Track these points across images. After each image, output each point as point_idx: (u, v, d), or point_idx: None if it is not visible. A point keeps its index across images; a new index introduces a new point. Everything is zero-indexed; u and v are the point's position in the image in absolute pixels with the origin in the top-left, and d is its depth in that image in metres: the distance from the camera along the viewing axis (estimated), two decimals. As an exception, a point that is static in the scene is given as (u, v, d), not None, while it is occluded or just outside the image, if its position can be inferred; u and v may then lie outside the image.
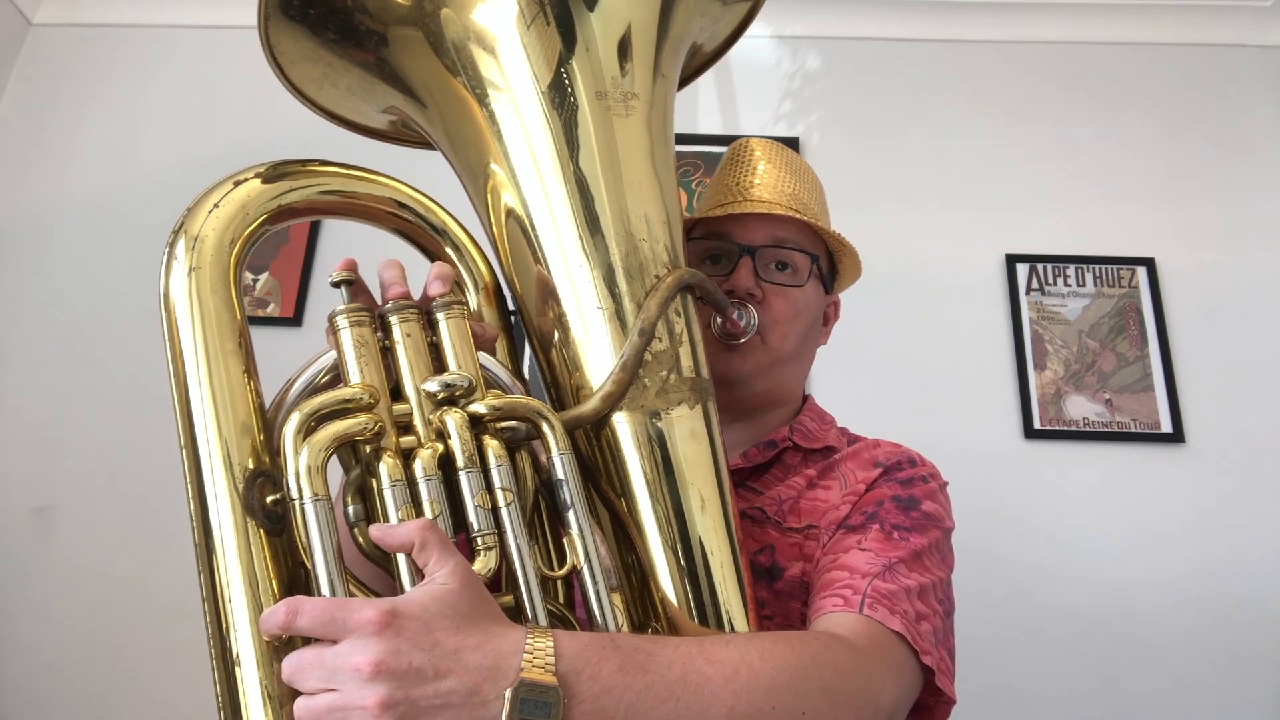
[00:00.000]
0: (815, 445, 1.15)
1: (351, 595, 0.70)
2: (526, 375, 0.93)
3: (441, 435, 0.77)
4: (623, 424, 0.87)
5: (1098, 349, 2.51)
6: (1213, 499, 2.34)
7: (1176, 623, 2.24)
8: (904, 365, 2.52)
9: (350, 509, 0.76)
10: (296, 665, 0.64)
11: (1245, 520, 2.32)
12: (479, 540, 0.74)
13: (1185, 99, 2.79)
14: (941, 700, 0.92)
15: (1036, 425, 2.44)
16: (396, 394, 0.80)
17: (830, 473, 1.11)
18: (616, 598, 0.83)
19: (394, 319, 0.81)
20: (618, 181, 0.91)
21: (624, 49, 0.94)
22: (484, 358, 0.84)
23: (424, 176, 1.02)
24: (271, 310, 2.61)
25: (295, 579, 0.73)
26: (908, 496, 1.04)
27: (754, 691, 0.72)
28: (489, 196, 0.94)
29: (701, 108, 2.86)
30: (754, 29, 2.75)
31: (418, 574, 0.69)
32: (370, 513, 0.76)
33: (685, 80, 1.12)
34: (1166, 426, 2.41)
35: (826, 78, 2.89)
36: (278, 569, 0.72)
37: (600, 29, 0.93)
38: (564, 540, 0.80)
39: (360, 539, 0.74)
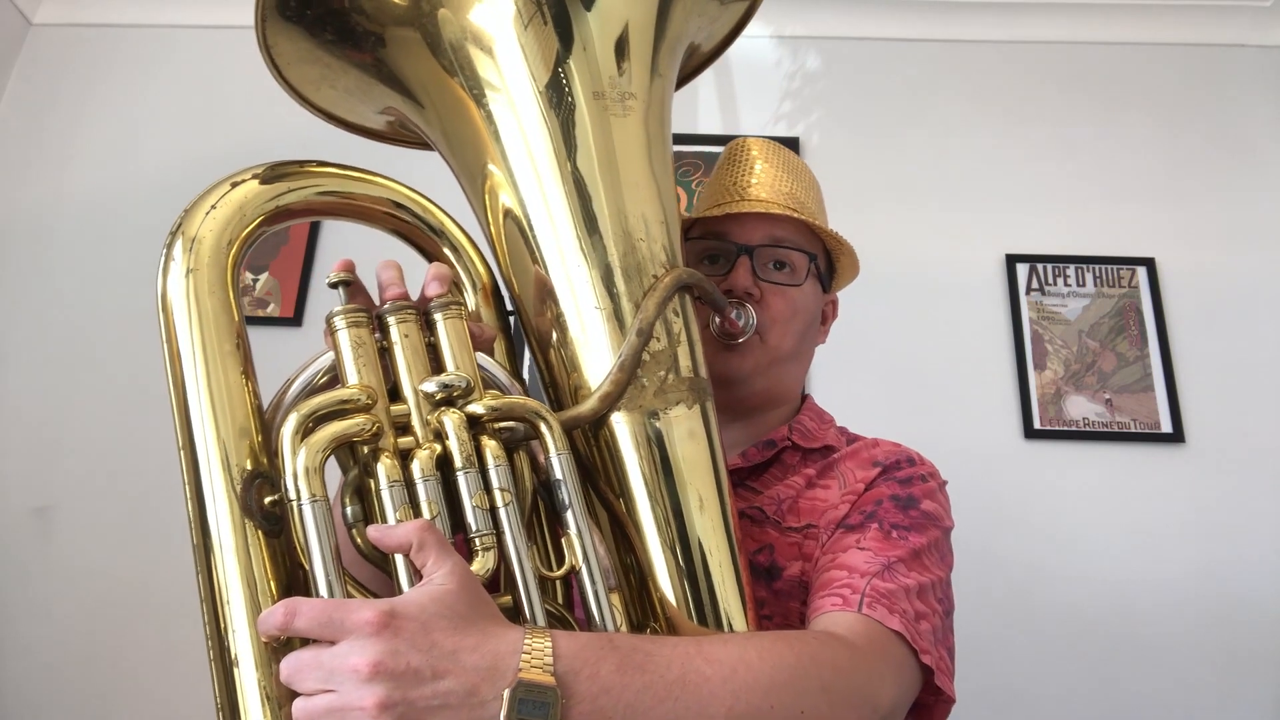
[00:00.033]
0: (814, 445, 1.15)
1: (350, 596, 0.70)
2: (526, 377, 0.93)
3: (439, 436, 0.77)
4: (621, 424, 0.87)
5: (1098, 349, 2.51)
6: (1213, 499, 2.34)
7: (1176, 623, 2.24)
8: (904, 365, 2.52)
9: (348, 510, 0.76)
10: (295, 666, 0.64)
11: (1245, 520, 2.32)
12: (477, 541, 0.74)
13: (1185, 99, 2.79)
14: (941, 699, 0.92)
15: (1036, 425, 2.44)
16: (394, 395, 0.80)
17: (829, 472, 1.11)
18: (615, 598, 0.83)
19: (392, 320, 0.81)
20: (615, 181, 0.91)
21: (621, 49, 0.94)
22: (482, 358, 0.84)
23: (422, 177, 1.02)
24: (271, 310, 2.61)
25: (294, 580, 0.73)
26: (906, 495, 1.04)
27: (752, 691, 0.72)
28: (487, 197, 0.94)
29: (701, 108, 2.86)
30: (754, 29, 2.76)
31: (416, 575, 0.69)
32: (368, 513, 0.76)
33: (683, 80, 1.11)
34: (1166, 426, 2.41)
35: (826, 78, 2.89)
36: (276, 570, 0.72)
37: (597, 29, 0.93)
38: (562, 540, 0.80)
39: (358, 540, 0.74)
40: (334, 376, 0.80)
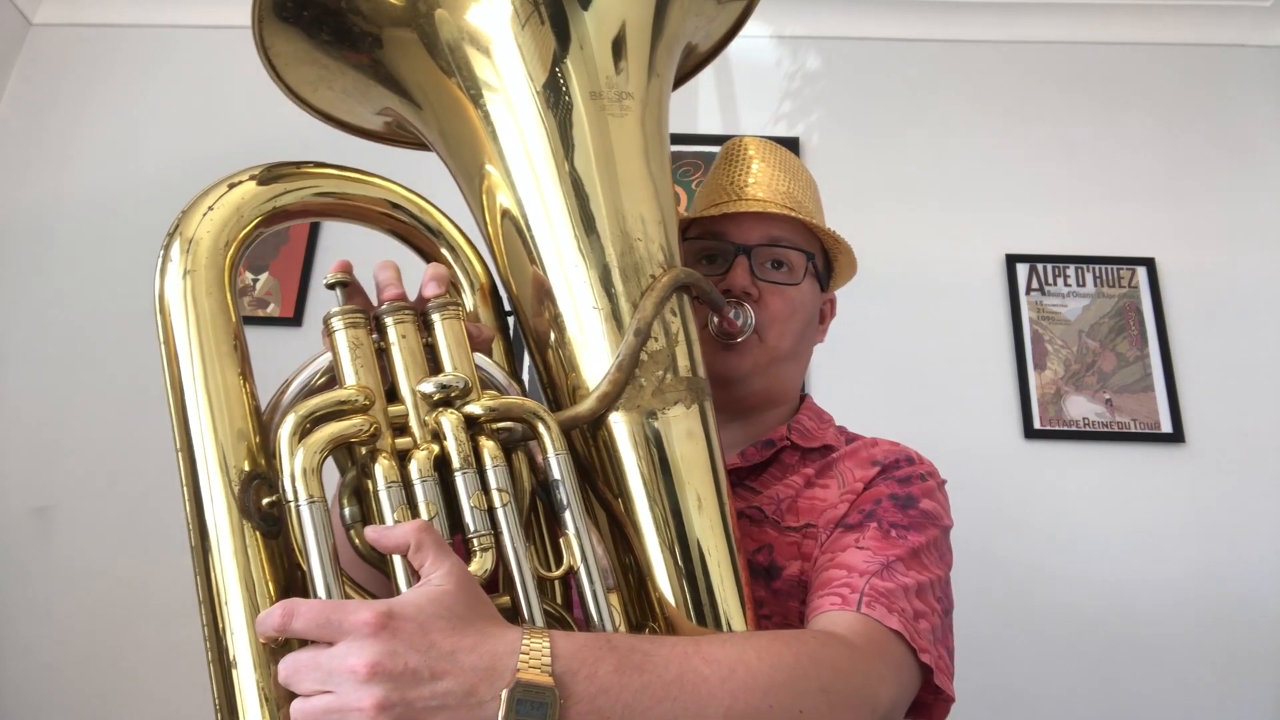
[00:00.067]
0: (813, 444, 1.15)
1: (348, 597, 0.70)
2: (526, 379, 0.93)
3: (437, 436, 0.77)
4: (619, 424, 0.87)
5: (1098, 349, 2.51)
6: (1213, 499, 2.34)
7: (1176, 623, 2.24)
8: (904, 365, 2.53)
9: (346, 511, 0.76)
10: (293, 667, 0.64)
11: (1245, 520, 2.32)
12: (475, 541, 0.74)
13: (1185, 99, 2.79)
14: (940, 698, 0.92)
15: (1036, 425, 2.44)
16: (392, 395, 0.80)
17: (828, 471, 1.11)
18: (614, 598, 0.83)
19: (389, 320, 0.81)
20: (613, 181, 0.91)
21: (618, 48, 0.94)
22: (480, 359, 0.84)
23: (421, 177, 1.02)
24: (271, 310, 2.61)
25: (292, 581, 0.73)
26: (905, 495, 1.04)
27: (751, 690, 0.72)
28: (484, 197, 0.94)
29: (702, 108, 2.86)
30: (754, 29, 2.74)
31: (413, 575, 0.69)
32: (366, 514, 0.76)
33: (680, 80, 1.11)
34: (1166, 426, 2.41)
35: (826, 78, 2.89)
36: (274, 571, 0.72)
37: (594, 28, 0.93)
38: (560, 541, 0.80)
39: (356, 540, 0.74)
40: (332, 377, 0.80)
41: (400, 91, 0.99)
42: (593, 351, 0.88)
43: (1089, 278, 2.59)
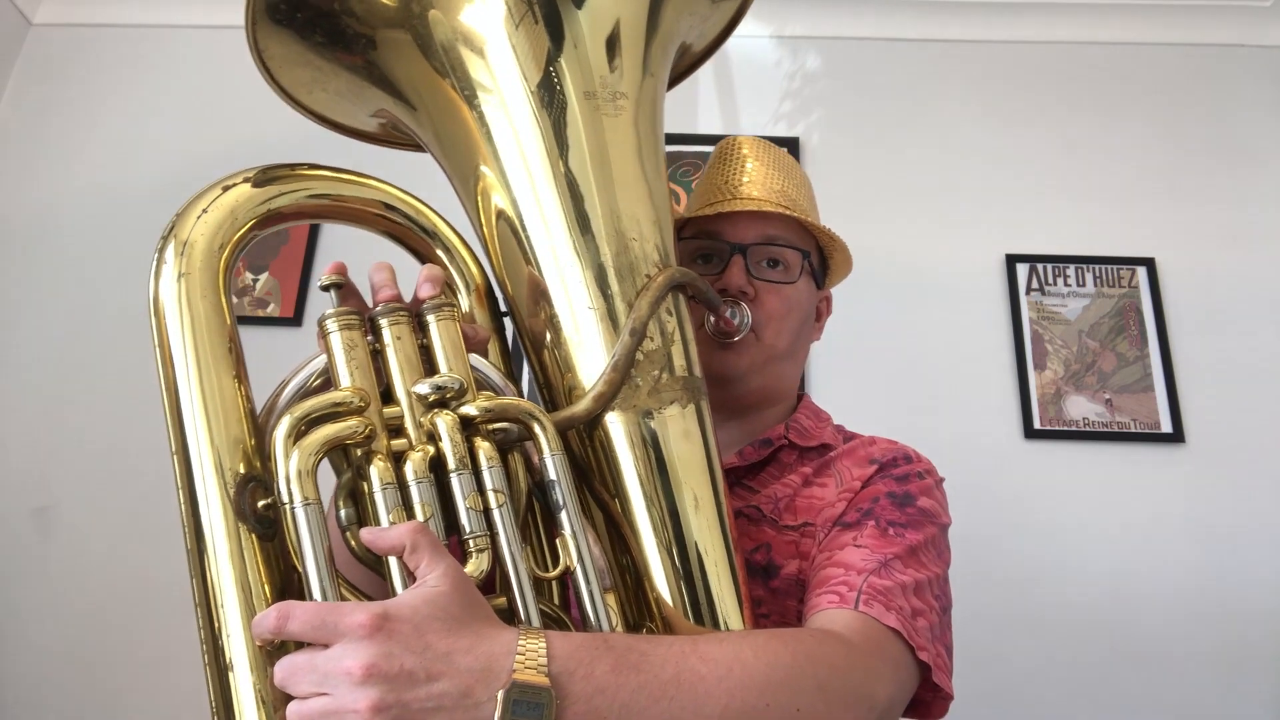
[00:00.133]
0: (811, 443, 1.15)
1: (344, 599, 0.70)
2: (525, 386, 0.93)
3: (432, 438, 0.77)
4: (615, 424, 0.87)
5: (1098, 349, 2.51)
6: (1213, 499, 2.34)
7: (1176, 622, 2.24)
8: (904, 365, 2.52)
9: (342, 512, 0.76)
10: (289, 669, 0.64)
11: (1245, 520, 2.31)
12: (471, 542, 0.74)
13: (1185, 99, 2.79)
14: (939, 696, 0.92)
15: (1036, 425, 2.44)
16: (388, 397, 0.80)
17: (826, 470, 1.11)
18: (610, 598, 0.83)
19: (384, 322, 0.81)
20: (608, 181, 0.91)
21: (612, 47, 0.94)
22: (475, 359, 0.84)
23: (417, 179, 1.02)
24: (271, 310, 2.61)
25: (288, 583, 0.73)
26: (903, 493, 1.04)
27: (748, 689, 0.72)
28: (479, 198, 0.94)
29: (701, 108, 2.86)
30: (754, 29, 2.74)
31: (409, 577, 0.69)
32: (362, 516, 0.76)
33: (674, 80, 1.11)
34: (1166, 426, 2.41)
35: (826, 78, 2.89)
36: (270, 573, 0.72)
37: (588, 27, 0.93)
38: (557, 541, 0.80)
39: (352, 542, 0.74)
40: (327, 379, 0.80)
41: (394, 93, 0.99)
42: (588, 352, 0.88)
43: (1089, 278, 2.59)
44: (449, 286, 0.92)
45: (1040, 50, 2.87)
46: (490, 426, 0.79)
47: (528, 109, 0.91)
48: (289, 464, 0.70)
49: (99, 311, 2.60)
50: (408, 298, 0.85)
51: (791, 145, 2.76)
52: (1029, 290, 2.58)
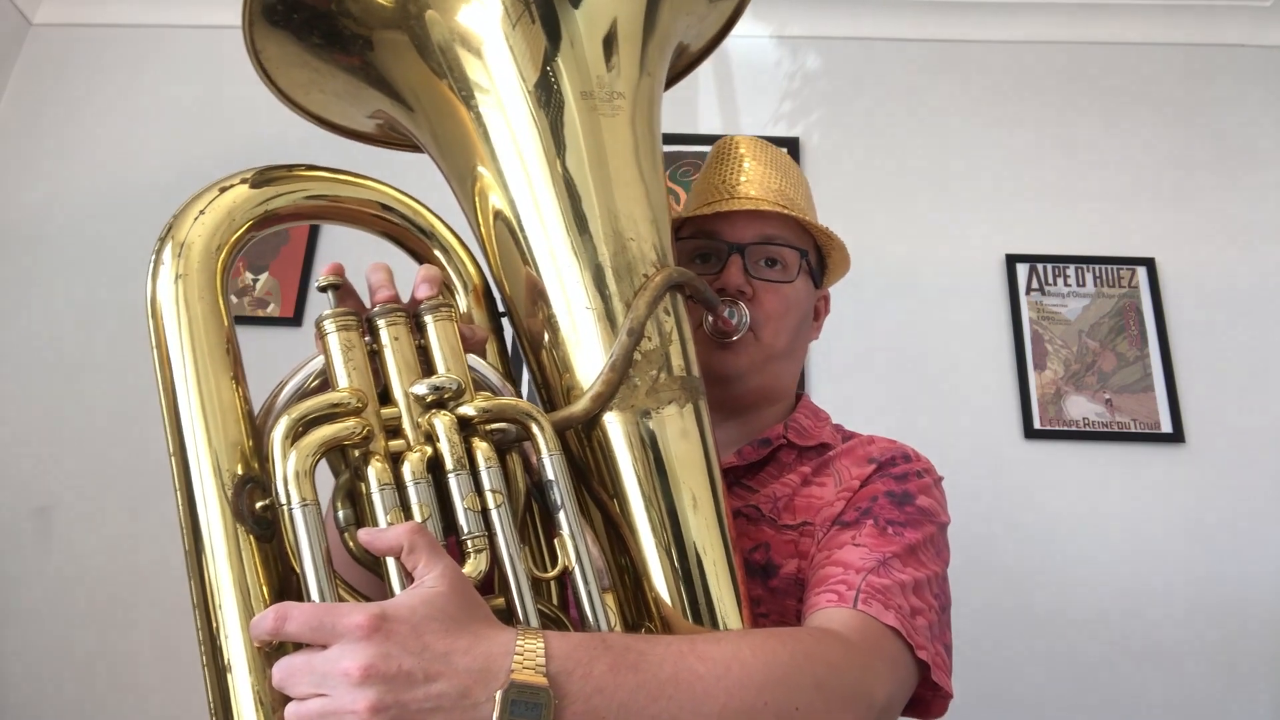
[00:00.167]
0: (810, 442, 1.15)
1: (342, 600, 0.70)
2: (525, 390, 0.93)
3: (430, 438, 0.77)
4: (613, 424, 0.87)
5: (1098, 349, 2.51)
6: (1213, 499, 2.34)
7: (1176, 622, 2.24)
8: (904, 365, 2.52)
9: (340, 513, 0.76)
10: (287, 670, 0.64)
11: (1245, 520, 2.31)
12: (469, 543, 0.74)
13: (1185, 99, 2.78)
14: (939, 695, 0.92)
15: (1036, 425, 2.43)
16: (385, 398, 0.80)
17: (825, 470, 1.11)
18: (609, 598, 0.83)
19: (381, 323, 0.81)
20: (605, 181, 0.91)
21: (609, 46, 0.95)
22: (473, 360, 0.84)
23: (418, 178, 1.02)
24: (271, 310, 2.61)
25: (286, 584, 0.73)
26: (902, 491, 1.04)
27: (746, 688, 0.72)
28: (477, 198, 0.94)
29: (701, 108, 2.86)
30: (754, 29, 2.74)
31: (407, 578, 0.69)
32: (360, 517, 0.76)
33: (672, 80, 1.11)
34: (1166, 426, 2.40)
35: (826, 78, 2.89)
36: (268, 575, 0.72)
37: (585, 26, 0.93)
38: (555, 541, 0.80)
39: (350, 543, 0.74)
40: (325, 380, 0.80)
41: (392, 94, 0.99)
42: (586, 352, 0.88)
43: (1089, 278, 2.58)
44: (447, 287, 0.92)
45: (1040, 50, 2.87)
46: (488, 427, 0.79)
47: (525, 109, 0.91)
48: (287, 465, 0.71)
49: (99, 311, 2.60)
50: (405, 298, 0.85)
51: (791, 145, 2.76)
52: (1029, 290, 2.58)
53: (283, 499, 0.70)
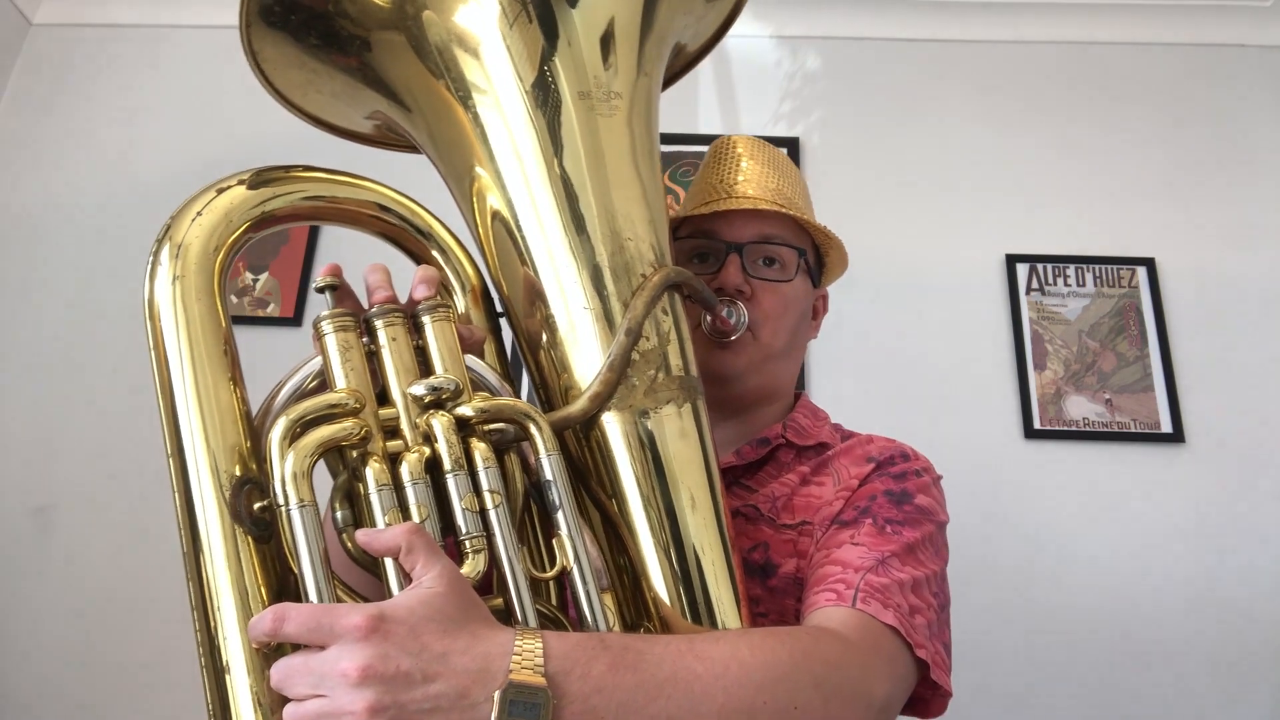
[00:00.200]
0: (809, 442, 1.15)
1: (340, 601, 0.70)
2: (525, 394, 0.93)
3: (428, 439, 0.77)
4: (612, 424, 0.87)
5: (1098, 349, 2.51)
6: (1213, 499, 2.33)
7: (1176, 622, 2.24)
8: (904, 365, 2.52)
9: (339, 514, 0.76)
10: (285, 671, 0.64)
11: (1245, 520, 2.31)
12: (467, 543, 0.74)
13: (1186, 99, 2.78)
14: (938, 694, 0.92)
15: (1036, 425, 2.43)
16: (383, 398, 0.80)
17: (824, 469, 1.11)
18: (608, 598, 0.83)
19: (379, 323, 0.81)
20: (603, 181, 0.91)
21: (606, 46, 0.95)
22: (471, 360, 0.84)
23: (415, 179, 1.02)
24: (271, 310, 2.61)
25: (284, 585, 0.73)
26: (900, 490, 1.04)
27: (745, 687, 0.72)
28: (475, 199, 0.94)
29: (701, 108, 2.86)
30: (754, 29, 2.74)
31: (405, 578, 0.69)
32: (358, 518, 0.76)
33: (669, 80, 1.12)
34: (1166, 426, 2.40)
35: (826, 78, 2.89)
36: (266, 576, 0.72)
37: (582, 26, 0.93)
38: (554, 542, 0.80)
39: (348, 544, 0.74)
40: (323, 381, 0.80)
41: (389, 94, 0.99)
42: (584, 352, 0.88)
43: (1089, 278, 2.58)
44: (444, 287, 0.92)
45: (1040, 50, 2.87)
46: (486, 427, 0.79)
47: (522, 109, 0.91)
48: (284, 466, 0.70)
49: (99, 310, 2.60)
50: (403, 299, 0.85)
51: (791, 145, 2.76)
52: (1029, 290, 2.58)
53: (280, 500, 0.70)
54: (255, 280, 2.64)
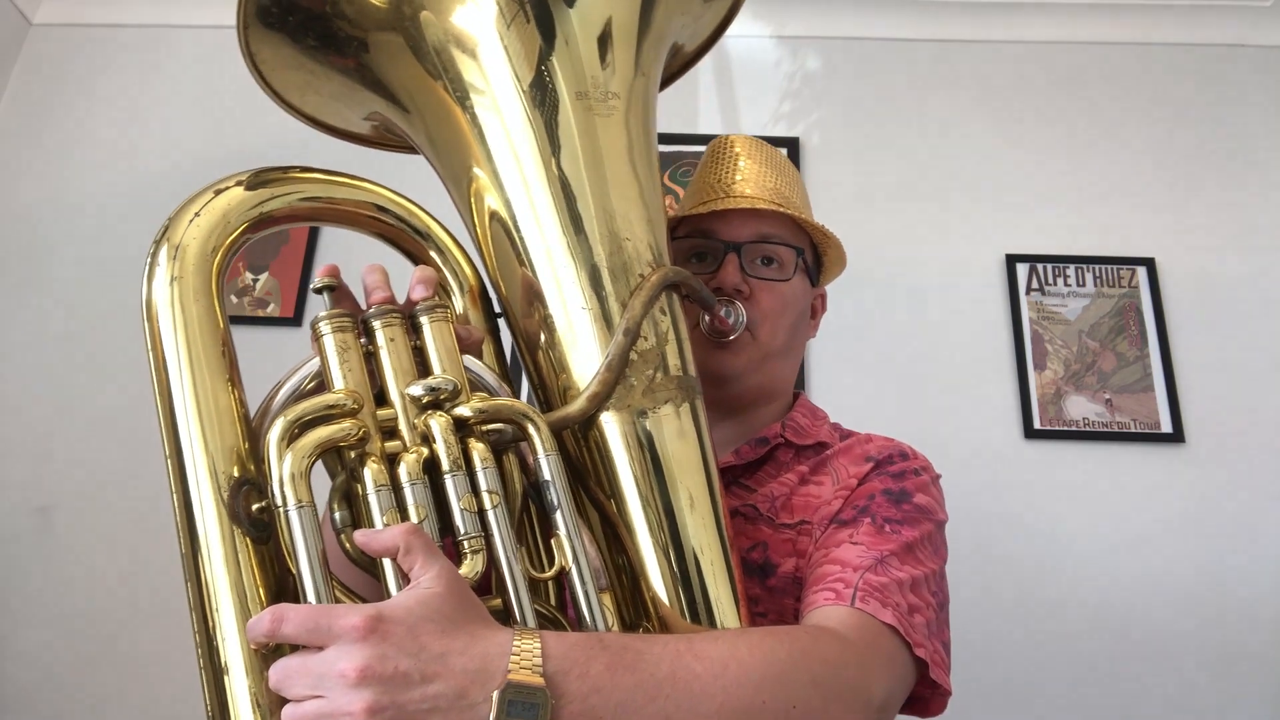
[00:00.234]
0: (807, 441, 1.15)
1: (338, 601, 0.70)
2: (525, 395, 0.93)
3: (426, 439, 0.77)
4: (610, 424, 0.87)
5: (1098, 349, 2.51)
6: (1212, 499, 2.33)
7: (1176, 622, 2.24)
8: (904, 365, 2.52)
9: (337, 515, 0.76)
10: (283, 672, 0.64)
11: (1245, 520, 2.31)
12: (465, 543, 0.74)
13: (1185, 99, 2.78)
14: (938, 693, 0.92)
15: (1036, 425, 2.43)
16: (381, 399, 0.80)
17: (822, 468, 1.11)
18: (606, 598, 0.83)
19: (377, 324, 0.81)
20: (601, 181, 0.91)
21: (604, 46, 0.95)
22: (469, 360, 0.84)
23: (413, 180, 1.02)
24: (271, 310, 2.61)
25: (283, 586, 0.73)
26: (899, 489, 1.04)
27: (743, 686, 0.72)
28: (473, 199, 0.94)
29: (701, 108, 2.86)
30: (754, 29, 2.74)
31: (403, 579, 0.69)
32: (357, 518, 0.76)
33: (667, 80, 1.11)
34: (1166, 426, 2.40)
35: (826, 78, 2.89)
36: (265, 577, 0.72)
37: (580, 26, 0.93)
38: (552, 542, 0.80)
39: (347, 545, 0.74)
40: (321, 382, 0.80)
41: (387, 95, 0.99)
42: (583, 352, 0.88)
43: (1089, 278, 2.58)
44: (442, 288, 0.92)
45: (1040, 50, 2.87)
46: (484, 428, 0.79)
47: (520, 110, 0.91)
48: (282, 467, 0.70)
49: (99, 310, 2.60)
50: (401, 300, 0.85)
51: (791, 145, 2.76)
52: (1029, 290, 2.58)
53: (279, 501, 0.70)
54: (255, 280, 2.65)
